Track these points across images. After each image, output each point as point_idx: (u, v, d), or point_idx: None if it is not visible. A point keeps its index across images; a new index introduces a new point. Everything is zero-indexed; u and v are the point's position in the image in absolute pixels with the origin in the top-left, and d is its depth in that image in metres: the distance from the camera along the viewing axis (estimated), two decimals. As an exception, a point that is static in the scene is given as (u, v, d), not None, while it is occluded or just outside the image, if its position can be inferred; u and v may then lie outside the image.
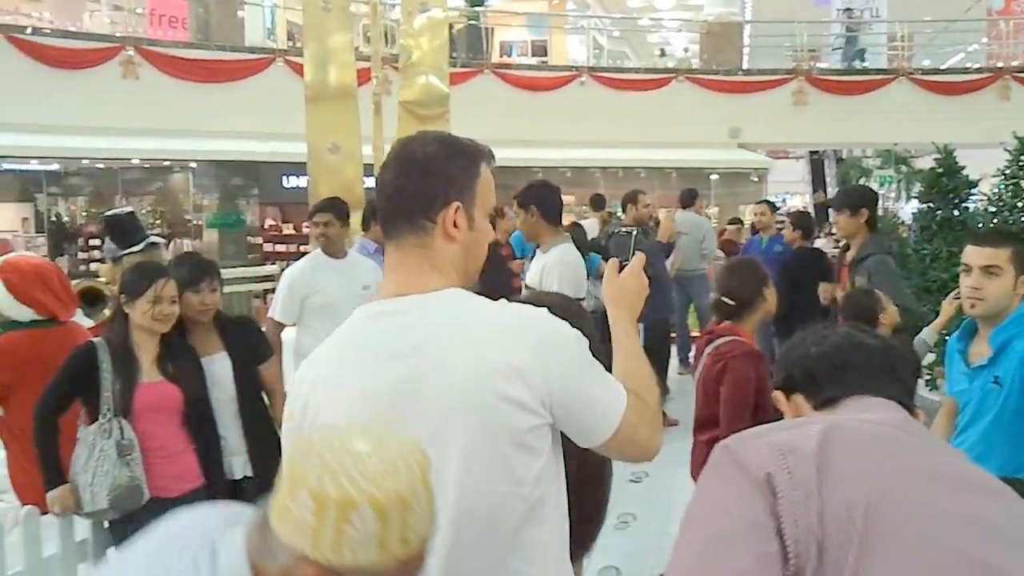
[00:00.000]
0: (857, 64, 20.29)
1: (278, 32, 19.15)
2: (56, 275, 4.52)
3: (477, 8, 18.28)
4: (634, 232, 7.52)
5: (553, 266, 5.05)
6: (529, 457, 1.79)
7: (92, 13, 18.89)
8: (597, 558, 5.48)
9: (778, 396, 1.77)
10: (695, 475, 3.79)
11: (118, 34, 16.04)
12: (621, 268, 2.20)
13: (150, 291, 3.66)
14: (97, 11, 18.69)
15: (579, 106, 17.77)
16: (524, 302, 1.95)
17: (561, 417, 1.81)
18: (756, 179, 19.67)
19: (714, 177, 19.60)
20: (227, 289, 11.03)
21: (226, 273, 10.41)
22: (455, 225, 1.86)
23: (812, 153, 23.41)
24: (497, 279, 6.65)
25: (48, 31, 15.17)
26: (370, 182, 9.64)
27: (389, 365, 1.80)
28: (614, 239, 7.70)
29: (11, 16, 16.92)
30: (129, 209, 6.29)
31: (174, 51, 15.51)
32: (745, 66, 20.40)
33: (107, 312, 5.50)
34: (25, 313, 4.31)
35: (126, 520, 3.65)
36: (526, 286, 5.15)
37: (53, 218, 18.88)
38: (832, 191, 21.69)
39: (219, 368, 4.02)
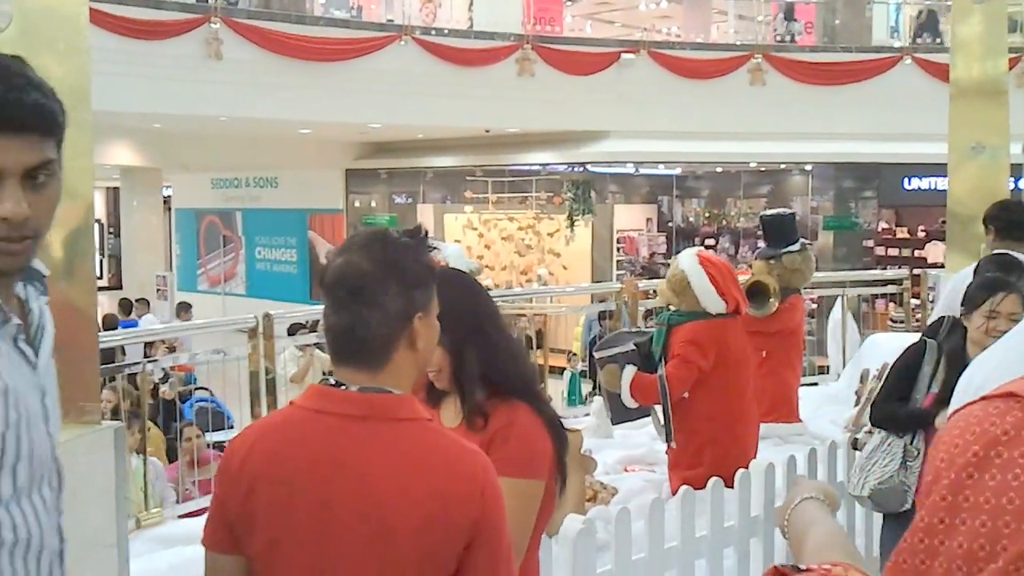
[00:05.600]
0: None
1: (902, 29, 18.42)
2: (735, 272, 4.80)
3: None
4: None
5: None
6: None
7: (718, 25, 19.84)
8: None
9: None
10: None
11: (742, 42, 16.64)
12: None
13: (986, 304, 3.46)
14: (723, 22, 19.60)
15: None
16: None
17: None
18: None
19: None
20: (845, 291, 10.84)
21: (843, 276, 10.22)
22: None
23: None
24: None
25: (677, 44, 16.20)
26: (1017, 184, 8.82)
27: None
28: None
29: (646, 32, 18.41)
30: (790, 211, 6.37)
31: (799, 55, 15.67)
32: None
33: (774, 304, 5.62)
34: (720, 306, 4.58)
35: (894, 519, 3.70)
36: None
37: (672, 219, 20.19)
38: None
39: None
